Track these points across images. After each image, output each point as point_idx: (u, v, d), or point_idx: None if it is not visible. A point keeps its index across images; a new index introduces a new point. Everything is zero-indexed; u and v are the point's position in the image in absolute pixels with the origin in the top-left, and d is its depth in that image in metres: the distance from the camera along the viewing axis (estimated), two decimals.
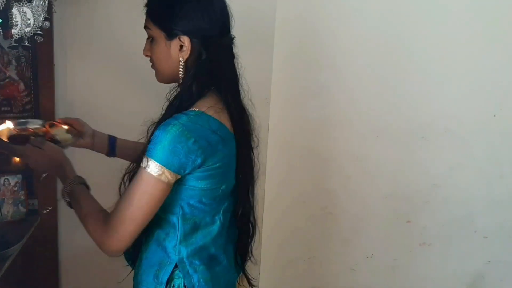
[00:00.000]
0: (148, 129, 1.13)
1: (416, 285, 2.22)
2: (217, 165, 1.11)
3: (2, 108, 1.83)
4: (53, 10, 1.59)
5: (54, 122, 1.39)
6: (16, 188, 1.86)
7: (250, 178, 1.28)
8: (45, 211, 1.91)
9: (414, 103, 2.05)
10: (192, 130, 1.05)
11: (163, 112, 1.15)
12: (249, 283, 1.36)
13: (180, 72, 1.14)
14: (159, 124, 1.09)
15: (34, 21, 1.29)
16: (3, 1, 1.10)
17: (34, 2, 1.29)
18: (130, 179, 1.13)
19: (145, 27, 1.17)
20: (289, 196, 2.21)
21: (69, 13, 1.85)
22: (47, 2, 1.39)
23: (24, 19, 1.24)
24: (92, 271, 2.10)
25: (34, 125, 1.39)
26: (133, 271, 1.27)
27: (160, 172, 1.03)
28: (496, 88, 1.99)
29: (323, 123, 2.11)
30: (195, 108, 1.11)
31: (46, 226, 1.92)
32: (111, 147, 1.49)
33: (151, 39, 1.17)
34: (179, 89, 1.17)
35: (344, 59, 2.05)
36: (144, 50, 1.21)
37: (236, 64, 1.20)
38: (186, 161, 1.05)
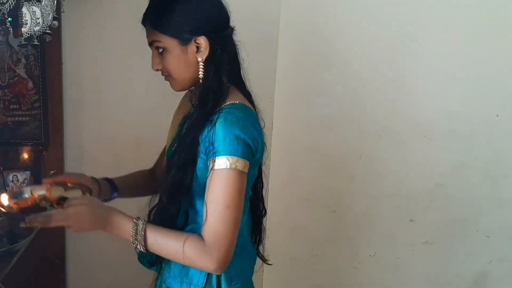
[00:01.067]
0: (188, 133, 1.11)
1: (418, 283, 2.22)
2: (260, 153, 1.15)
3: (11, 106, 1.86)
4: (62, 9, 1.61)
5: (44, 185, 1.16)
6: (24, 185, 1.89)
7: (263, 164, 1.31)
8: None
9: (418, 102, 2.06)
10: (246, 119, 1.08)
11: (194, 114, 1.13)
12: (265, 261, 1.39)
13: (200, 73, 1.13)
14: (198, 126, 1.09)
15: (43, 20, 1.31)
16: (14, 1, 1.12)
17: (43, 2, 1.31)
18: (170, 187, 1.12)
19: (152, 42, 1.14)
20: (292, 194, 2.23)
21: (77, 13, 1.87)
22: (55, 1, 1.41)
23: (33, 18, 1.26)
24: (98, 267, 2.13)
25: (28, 193, 1.17)
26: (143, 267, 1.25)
27: (243, 165, 1.05)
28: (499, 88, 1.99)
29: (327, 122, 2.13)
30: (235, 101, 1.12)
31: None
32: (113, 189, 1.35)
33: (161, 51, 1.14)
34: (201, 89, 1.14)
35: (348, 58, 2.06)
36: (153, 65, 1.17)
37: (238, 53, 1.21)
38: (253, 148, 1.08)
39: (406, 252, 2.20)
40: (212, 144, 1.05)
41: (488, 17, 1.95)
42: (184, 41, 1.11)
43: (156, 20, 1.12)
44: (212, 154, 1.06)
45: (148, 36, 1.15)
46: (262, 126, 1.23)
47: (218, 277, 1.16)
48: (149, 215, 1.18)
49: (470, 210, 2.12)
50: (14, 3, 1.13)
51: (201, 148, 1.09)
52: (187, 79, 1.16)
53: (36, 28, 1.30)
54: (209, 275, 1.15)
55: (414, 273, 2.22)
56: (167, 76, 1.18)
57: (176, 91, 1.21)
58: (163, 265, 1.20)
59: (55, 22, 1.43)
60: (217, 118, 1.07)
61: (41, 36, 1.36)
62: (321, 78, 2.09)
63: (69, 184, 1.21)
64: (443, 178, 2.11)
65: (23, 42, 1.30)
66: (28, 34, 1.27)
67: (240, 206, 1.06)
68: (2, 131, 1.86)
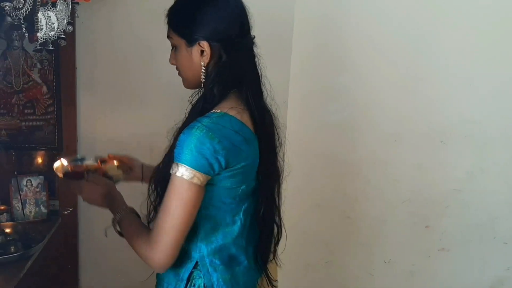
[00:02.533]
0: (173, 135, 1.14)
1: None
2: (240, 165, 1.12)
3: (26, 111, 1.87)
4: (76, 14, 1.62)
5: (105, 158, 1.43)
6: (38, 189, 1.90)
7: (275, 179, 1.29)
8: (66, 212, 1.95)
9: (434, 107, 2.03)
10: (215, 130, 1.06)
11: (187, 115, 1.17)
12: (271, 284, 1.36)
13: (202, 77, 1.15)
14: (183, 128, 1.11)
15: (58, 25, 1.32)
16: (30, 6, 1.12)
17: (58, 7, 1.31)
18: (157, 183, 1.16)
19: (168, 37, 1.19)
20: (307, 199, 2.21)
21: (91, 18, 1.88)
22: (70, 6, 1.42)
23: (49, 23, 1.26)
24: (110, 271, 2.13)
25: (87, 161, 1.43)
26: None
27: (192, 175, 1.04)
28: None
29: (342, 126, 2.10)
30: (217, 110, 1.12)
31: (67, 227, 1.96)
32: None
33: (174, 48, 1.19)
34: (201, 93, 1.19)
35: (364, 62, 2.04)
36: (170, 59, 1.22)
37: (257, 64, 1.21)
38: (213, 161, 1.06)
39: (422, 258, 2.17)
40: (175, 147, 1.08)
41: (505, 21, 1.93)
42: (190, 43, 1.15)
43: (172, 17, 1.17)
44: (173, 158, 1.08)
45: (167, 30, 1.20)
46: (279, 127, 1.27)
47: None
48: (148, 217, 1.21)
49: (487, 216, 2.09)
50: (30, 8, 1.13)
51: None
52: (191, 79, 1.19)
53: (51, 33, 1.31)
54: (190, 277, 1.17)
55: (430, 280, 2.19)
56: (179, 72, 1.23)
57: (185, 87, 1.24)
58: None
59: (70, 27, 1.44)
60: (188, 125, 1.08)
61: (56, 41, 1.36)
62: (335, 83, 2.07)
63: (116, 163, 1.43)
64: (459, 184, 2.08)
65: (38, 47, 1.31)
66: (43, 39, 1.27)
67: (182, 215, 1.06)
68: (17, 135, 1.87)
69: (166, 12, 1.19)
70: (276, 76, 2.02)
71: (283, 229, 1.35)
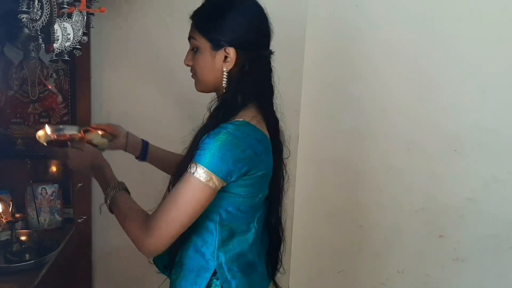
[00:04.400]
0: (194, 138, 1.15)
1: None
2: (259, 174, 1.14)
3: (41, 120, 1.90)
4: (91, 25, 1.64)
5: (88, 128, 1.45)
6: (52, 197, 1.92)
7: (281, 188, 1.30)
8: (80, 220, 1.96)
9: (448, 115, 2.02)
10: (241, 138, 1.08)
11: (206, 121, 1.17)
12: None
13: (224, 83, 1.17)
14: (203, 132, 1.12)
15: (73, 36, 1.34)
16: (46, 17, 1.14)
17: (73, 18, 1.33)
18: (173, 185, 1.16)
19: (190, 37, 1.20)
20: (319, 208, 2.20)
21: (106, 28, 1.91)
22: (85, 17, 1.44)
23: (64, 34, 1.28)
24: (124, 279, 2.13)
25: (71, 131, 1.45)
26: (167, 278, 1.28)
27: (208, 178, 1.06)
28: None
29: (354, 135, 2.10)
30: (240, 118, 1.13)
31: (81, 235, 1.97)
32: (144, 151, 1.53)
33: (195, 49, 1.19)
34: (220, 99, 1.19)
35: (376, 70, 2.03)
36: (186, 60, 1.23)
37: (272, 78, 1.23)
38: (233, 168, 1.08)
39: (436, 269, 2.14)
40: (197, 149, 1.09)
41: None
42: (216, 47, 1.15)
43: (200, 19, 1.18)
44: (193, 157, 1.09)
45: (190, 31, 1.20)
46: (287, 155, 1.28)
47: None
48: (168, 187, 1.21)
49: (503, 226, 2.06)
50: (47, 20, 1.15)
51: None
52: (209, 82, 1.20)
53: (67, 44, 1.33)
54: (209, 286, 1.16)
55: None
56: (193, 74, 1.23)
57: (197, 91, 1.25)
58: (172, 271, 1.24)
59: (85, 37, 1.46)
60: (213, 131, 1.09)
61: (72, 51, 1.38)
62: (348, 90, 2.07)
63: (100, 132, 1.45)
64: (474, 193, 2.06)
65: (54, 58, 1.33)
66: (59, 49, 1.30)
67: (187, 212, 1.08)
68: (32, 144, 1.89)
69: (191, 13, 1.20)
70: (289, 84, 2.05)
71: (285, 236, 1.36)
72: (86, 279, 2.07)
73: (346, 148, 2.13)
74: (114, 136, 1.47)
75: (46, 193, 1.92)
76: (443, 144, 2.04)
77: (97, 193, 2.04)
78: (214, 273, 1.16)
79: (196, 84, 1.24)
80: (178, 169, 1.16)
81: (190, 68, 1.23)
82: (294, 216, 2.19)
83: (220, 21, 1.14)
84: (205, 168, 1.06)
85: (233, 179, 1.09)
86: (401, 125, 2.06)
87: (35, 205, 1.87)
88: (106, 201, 1.22)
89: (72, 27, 1.33)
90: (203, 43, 1.16)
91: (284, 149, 1.29)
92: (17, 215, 1.72)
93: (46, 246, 1.68)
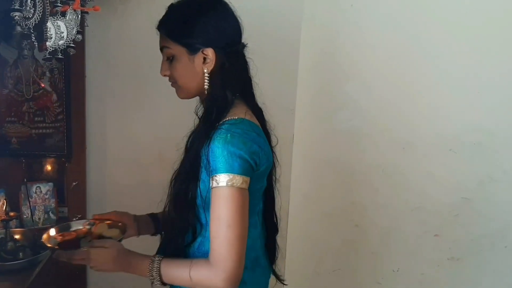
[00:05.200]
0: (190, 144, 1.14)
1: None
2: (264, 166, 1.15)
3: (36, 118, 1.90)
4: (86, 23, 1.64)
5: (93, 220, 1.35)
6: (47, 196, 1.92)
7: (275, 176, 1.31)
8: (74, 219, 1.96)
9: (443, 115, 2.01)
10: (243, 135, 1.08)
11: (198, 125, 1.16)
12: (280, 281, 1.37)
13: (206, 84, 1.16)
14: (199, 138, 1.11)
15: (67, 34, 1.34)
16: (39, 15, 1.14)
17: (67, 16, 1.33)
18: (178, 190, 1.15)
19: (163, 47, 1.18)
20: (314, 208, 2.20)
21: (101, 27, 1.90)
22: (80, 16, 1.44)
23: (58, 32, 1.28)
24: (119, 277, 2.12)
25: (76, 227, 1.36)
26: None
27: (241, 181, 1.05)
28: None
29: (350, 134, 2.10)
30: (234, 117, 1.12)
31: None
32: (156, 225, 1.40)
33: (170, 58, 1.18)
34: (207, 101, 1.18)
35: (372, 70, 2.03)
36: (162, 71, 1.21)
37: (249, 69, 1.23)
38: (252, 163, 1.08)
39: (431, 268, 2.14)
40: (209, 162, 1.07)
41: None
42: (192, 51, 1.14)
43: (169, 27, 1.16)
44: (210, 172, 1.07)
45: (160, 41, 1.19)
46: (275, 143, 1.27)
47: None
48: (161, 232, 1.22)
49: (498, 225, 2.06)
50: (40, 18, 1.15)
51: (203, 161, 1.10)
52: (192, 88, 1.19)
53: (61, 42, 1.33)
54: None
55: None
56: (174, 83, 1.22)
57: (181, 98, 1.24)
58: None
59: (79, 36, 1.46)
60: (214, 136, 1.08)
61: (65, 49, 1.38)
62: (343, 90, 2.07)
63: (107, 222, 1.34)
64: (469, 192, 2.06)
65: (47, 56, 1.32)
66: (53, 48, 1.29)
67: (242, 222, 1.06)
68: (27, 143, 1.90)
69: (157, 23, 1.18)
70: (284, 83, 2.05)
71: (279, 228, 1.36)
72: (80, 277, 2.07)
73: (341, 148, 2.13)
74: (123, 225, 1.34)
75: (41, 191, 1.91)
76: (439, 144, 2.04)
77: (92, 192, 2.05)
78: None
79: (178, 92, 1.23)
80: (177, 176, 1.16)
81: (168, 78, 1.21)
82: (289, 216, 2.19)
83: (190, 25, 1.13)
84: (232, 174, 1.04)
85: (255, 170, 1.09)
86: (396, 124, 2.06)
87: (30, 203, 1.87)
88: (157, 282, 1.14)
89: (65, 25, 1.33)
90: (179, 50, 1.15)
91: (272, 137, 1.29)
92: (11, 214, 1.72)
93: (40, 245, 1.66)
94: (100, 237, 1.29)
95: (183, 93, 1.22)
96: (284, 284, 1.39)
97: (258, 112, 1.23)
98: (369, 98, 2.06)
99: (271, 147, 1.25)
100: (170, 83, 1.23)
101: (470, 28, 1.93)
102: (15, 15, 1.07)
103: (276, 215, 1.33)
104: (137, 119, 2.00)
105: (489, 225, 2.06)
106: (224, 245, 1.04)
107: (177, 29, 1.15)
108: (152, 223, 1.39)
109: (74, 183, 1.94)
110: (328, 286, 2.26)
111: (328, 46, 2.07)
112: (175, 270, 1.12)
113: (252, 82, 1.25)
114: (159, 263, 1.12)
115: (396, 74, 2.02)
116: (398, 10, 1.97)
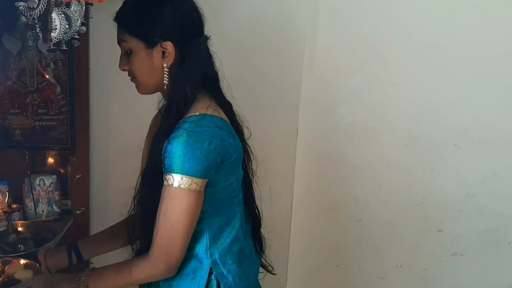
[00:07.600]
0: (152, 143, 1.12)
1: None
2: (232, 158, 1.12)
3: (40, 111, 1.89)
4: (90, 15, 1.63)
5: (8, 258, 1.32)
6: (51, 189, 1.92)
7: (250, 168, 1.29)
8: (78, 212, 1.96)
9: (447, 110, 2.01)
10: (202, 133, 1.05)
11: (159, 124, 1.13)
12: (269, 271, 1.36)
13: (165, 79, 1.12)
14: (160, 137, 1.09)
15: (72, 26, 1.33)
16: (44, 6, 1.13)
17: (72, 7, 1.32)
18: (141, 202, 1.14)
19: (120, 41, 1.15)
20: (318, 202, 2.20)
21: (105, 18, 1.88)
22: (84, 7, 1.43)
23: (62, 24, 1.27)
24: None
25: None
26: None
27: (189, 183, 1.04)
28: None
29: (354, 129, 2.09)
30: (194, 113, 1.09)
31: (79, 226, 1.97)
32: (77, 256, 1.39)
33: (128, 52, 1.14)
34: (168, 98, 1.15)
35: (376, 65, 2.02)
36: (120, 65, 1.17)
37: (214, 63, 1.20)
38: (208, 164, 1.05)
39: (434, 263, 2.14)
40: (163, 160, 1.05)
41: None
42: (150, 45, 1.11)
43: (126, 20, 1.13)
44: (164, 169, 1.06)
45: (117, 34, 1.16)
46: (247, 136, 1.25)
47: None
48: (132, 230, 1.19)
49: (502, 221, 2.06)
50: (44, 8, 1.14)
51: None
52: (151, 83, 1.16)
53: (65, 33, 1.31)
54: (208, 285, 1.14)
55: (442, 285, 2.17)
56: (132, 78, 1.18)
57: (141, 94, 1.20)
58: (160, 284, 1.20)
59: (83, 28, 1.44)
60: (172, 135, 1.05)
61: (70, 41, 1.37)
62: (347, 85, 2.06)
63: (23, 262, 1.33)
64: (473, 188, 2.06)
65: (52, 47, 1.31)
66: (57, 39, 1.28)
67: (185, 222, 1.06)
68: (30, 135, 1.89)
69: (114, 15, 1.15)
70: (288, 78, 2.04)
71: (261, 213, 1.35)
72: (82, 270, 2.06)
73: (345, 143, 2.12)
74: (39, 266, 1.32)
75: (44, 184, 1.91)
76: (443, 139, 2.03)
77: (96, 185, 2.04)
78: (210, 271, 1.14)
79: (138, 87, 1.19)
80: (143, 179, 1.14)
81: (127, 72, 1.18)
82: (293, 210, 2.19)
83: (147, 17, 1.09)
84: (181, 175, 1.03)
85: (213, 172, 1.07)
86: (400, 119, 2.05)
87: (33, 196, 1.87)
88: None
89: (70, 16, 1.32)
90: (136, 44, 1.11)
91: (244, 131, 1.27)
92: (14, 206, 1.72)
93: (43, 237, 1.67)
94: (10, 278, 1.27)
95: (142, 89, 1.18)
96: (273, 274, 1.37)
97: (226, 106, 1.20)
98: (373, 93, 2.05)
99: (243, 140, 1.23)
100: (130, 78, 1.20)
101: (474, 23, 1.92)
102: (20, 5, 1.05)
103: (257, 208, 1.32)
104: (141, 111, 1.99)
105: (493, 220, 2.06)
106: (166, 241, 1.06)
107: (134, 22, 1.11)
108: (66, 256, 1.37)
109: (77, 176, 1.94)
110: (331, 280, 2.26)
111: (333, 41, 2.05)
112: (113, 279, 1.13)
113: (219, 75, 1.21)
114: (86, 282, 1.13)
115: (400, 69, 2.01)
116: (404, 4, 1.96)
